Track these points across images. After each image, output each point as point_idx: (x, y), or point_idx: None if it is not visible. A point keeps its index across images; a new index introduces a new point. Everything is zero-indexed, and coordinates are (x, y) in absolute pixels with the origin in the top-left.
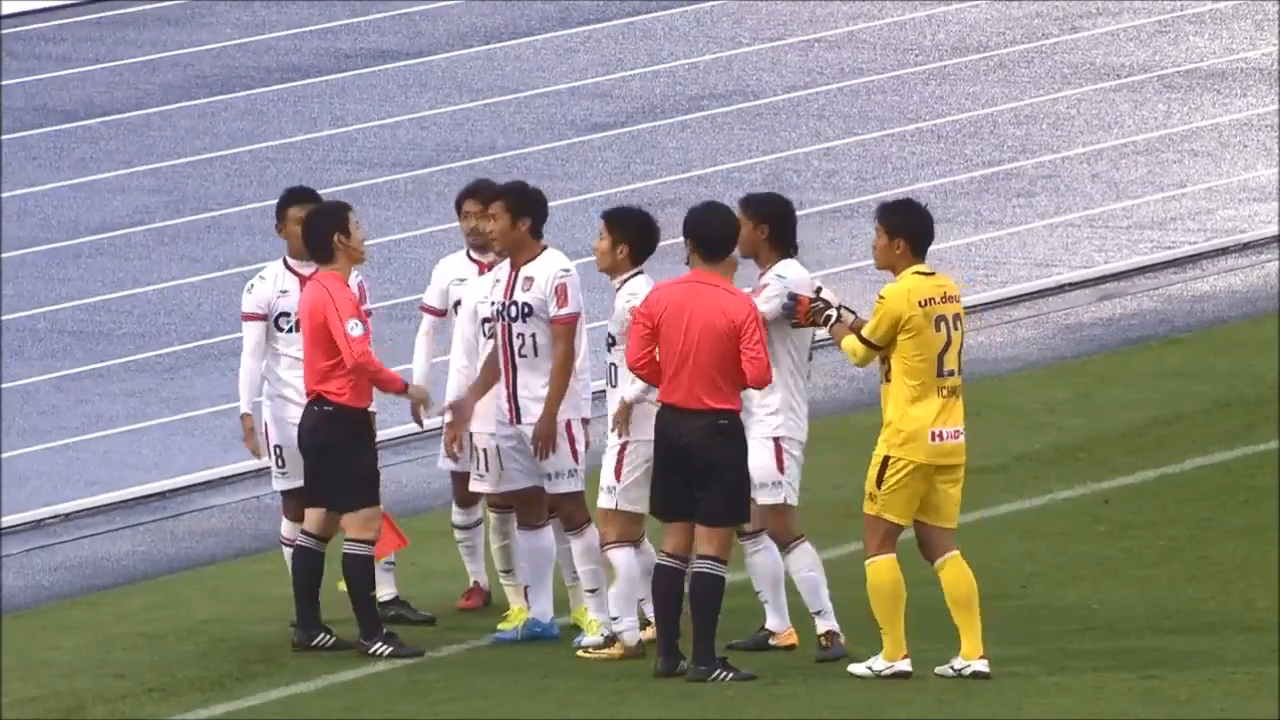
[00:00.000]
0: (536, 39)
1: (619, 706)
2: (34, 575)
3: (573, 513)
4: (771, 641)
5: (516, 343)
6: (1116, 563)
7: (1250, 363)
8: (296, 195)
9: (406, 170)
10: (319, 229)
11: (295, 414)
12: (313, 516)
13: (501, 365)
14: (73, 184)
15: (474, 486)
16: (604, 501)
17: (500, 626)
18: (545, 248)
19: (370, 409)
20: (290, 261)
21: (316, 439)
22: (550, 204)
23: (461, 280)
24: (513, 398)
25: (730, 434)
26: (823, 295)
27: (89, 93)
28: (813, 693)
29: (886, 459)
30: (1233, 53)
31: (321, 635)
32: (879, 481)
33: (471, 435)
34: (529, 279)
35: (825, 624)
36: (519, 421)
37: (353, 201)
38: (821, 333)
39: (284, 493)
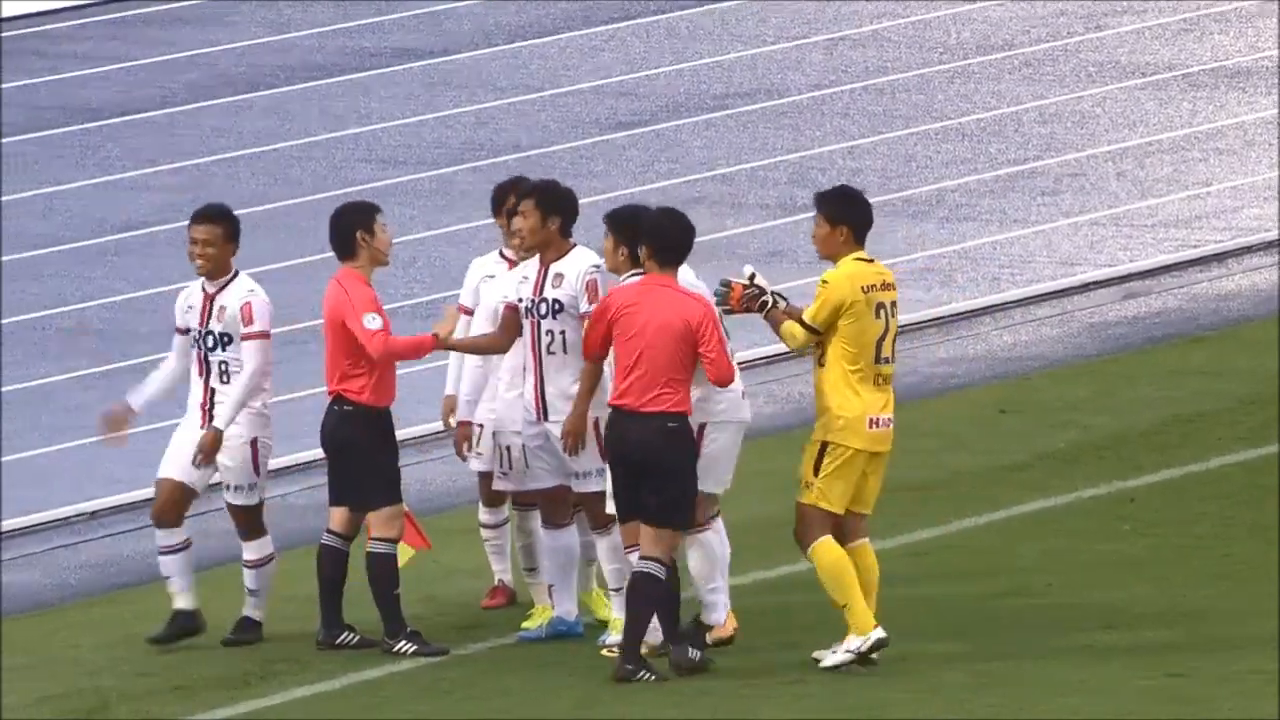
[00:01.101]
0: (561, 37)
1: (641, 705)
2: (59, 573)
3: (599, 511)
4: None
5: (545, 339)
6: (1140, 561)
7: (1275, 361)
8: (200, 214)
9: (431, 169)
10: (344, 224)
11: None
12: (336, 516)
13: (529, 362)
14: (97, 182)
15: (497, 485)
16: None
17: (524, 625)
18: (574, 245)
19: (389, 408)
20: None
21: (338, 438)
22: (583, 202)
23: (490, 278)
24: (540, 395)
25: (678, 437)
26: (756, 281)
27: (113, 91)
28: (831, 691)
29: (824, 445)
30: (1258, 51)
31: (345, 634)
32: (816, 469)
33: (495, 434)
34: (559, 275)
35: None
36: (546, 419)
37: (378, 200)
38: None
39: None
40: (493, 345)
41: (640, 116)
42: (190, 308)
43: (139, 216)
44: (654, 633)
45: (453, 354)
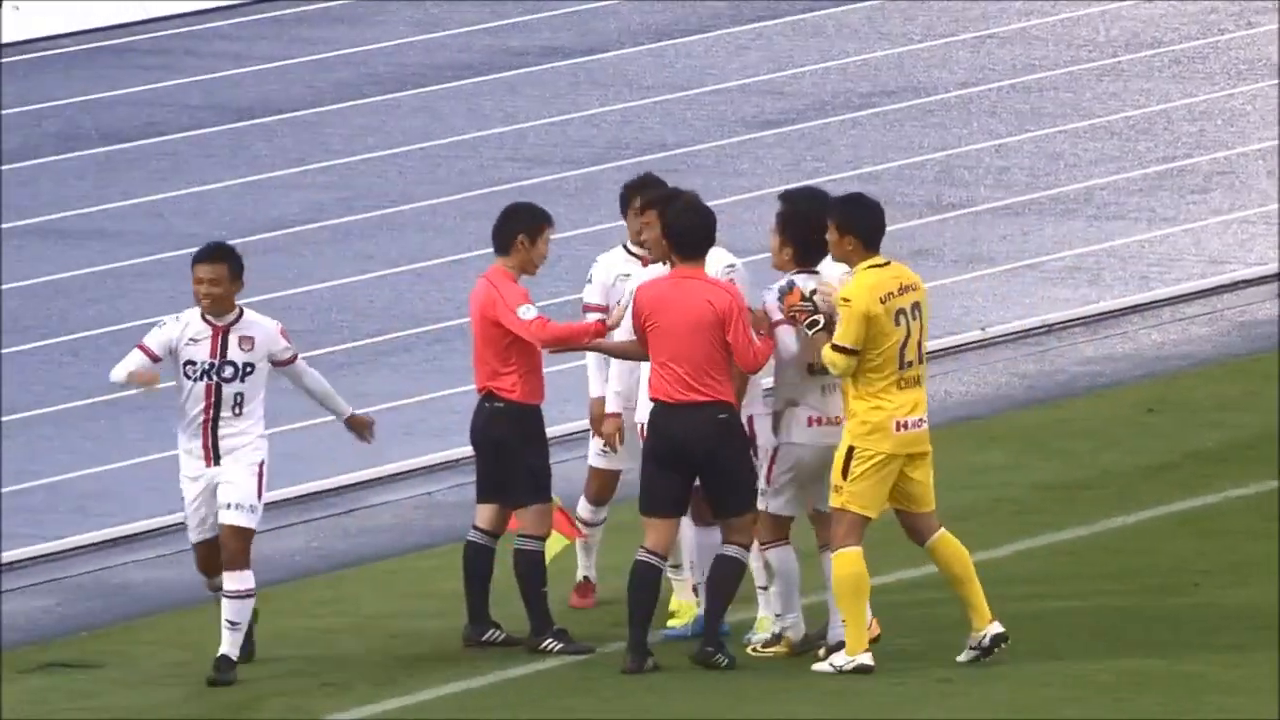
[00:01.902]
0: (707, 36)
1: (791, 705)
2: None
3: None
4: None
5: None
6: None
7: None
8: (203, 254)
9: (576, 167)
10: (510, 222)
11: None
12: (483, 513)
13: None
14: (247, 181)
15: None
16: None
17: (670, 623)
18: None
19: (539, 405)
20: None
21: (490, 435)
22: (719, 201)
23: (626, 276)
24: None
25: (732, 426)
26: (815, 298)
27: (264, 90)
28: (981, 690)
29: (851, 450)
30: None
31: (492, 631)
32: (844, 473)
33: (640, 427)
34: None
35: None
36: None
37: (523, 198)
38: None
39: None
40: (643, 352)
41: (786, 115)
42: (193, 340)
43: (288, 215)
44: (795, 631)
45: (591, 358)
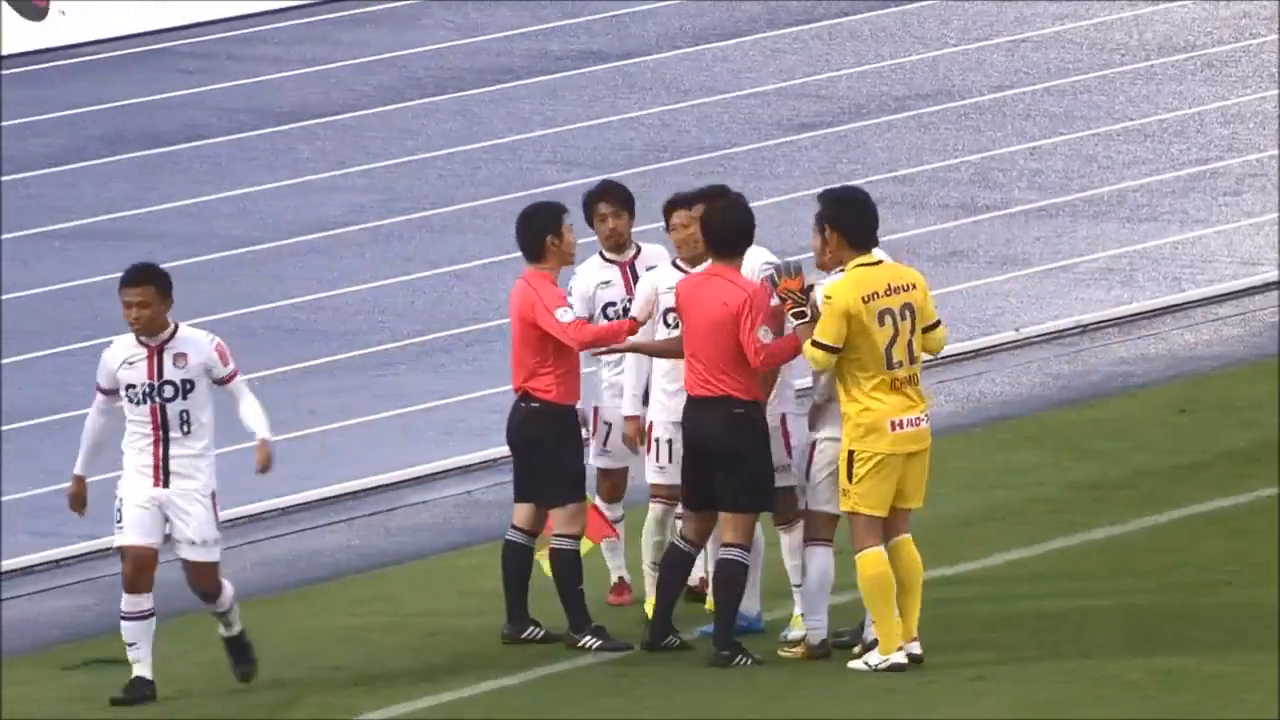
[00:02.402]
0: (745, 40)
1: (825, 702)
2: (248, 568)
3: (786, 507)
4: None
5: None
6: None
7: None
8: (128, 277)
9: (615, 170)
10: (533, 228)
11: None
12: (521, 512)
13: None
14: (289, 184)
15: (653, 479)
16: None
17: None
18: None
19: (577, 406)
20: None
21: (526, 435)
22: (757, 203)
23: (606, 283)
24: None
25: (746, 422)
26: (812, 293)
27: (305, 94)
28: (1013, 688)
29: (851, 454)
30: None
31: (531, 629)
32: (850, 476)
33: (650, 425)
34: None
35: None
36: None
37: (561, 201)
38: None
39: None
40: (679, 349)
41: (823, 118)
42: (129, 364)
43: (330, 217)
44: (816, 634)
45: (628, 371)
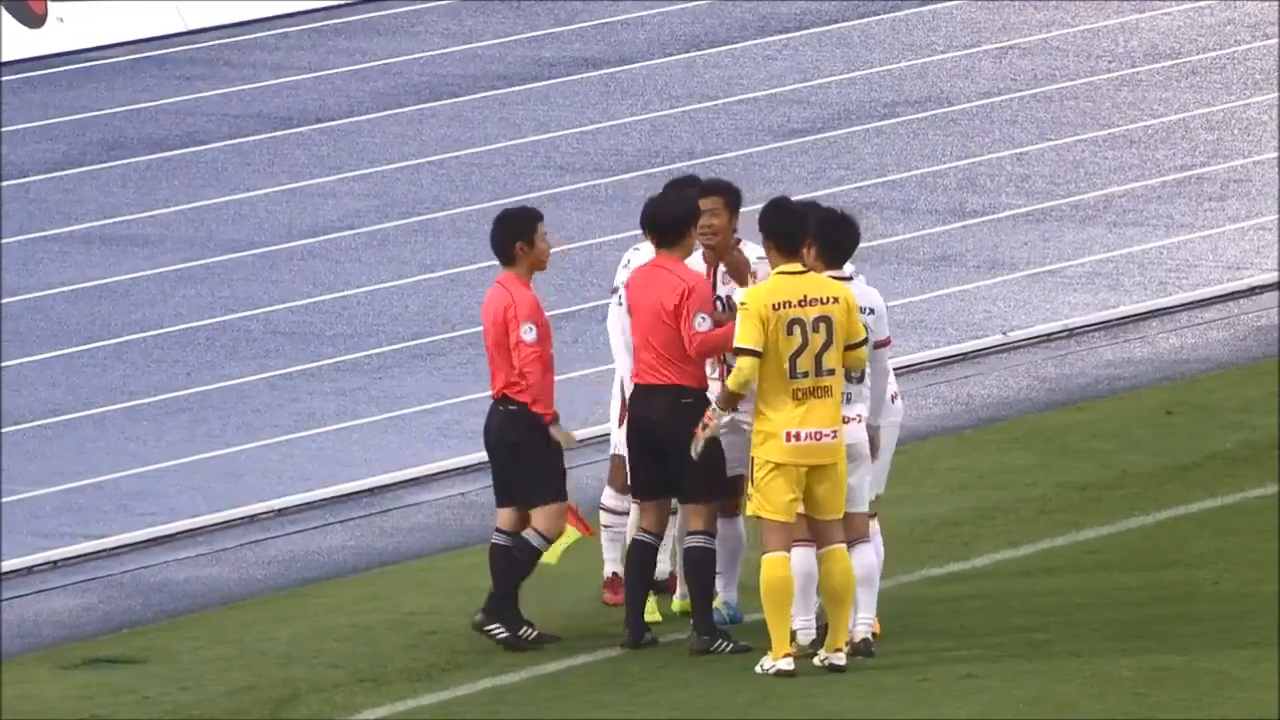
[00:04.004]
0: (735, 47)
1: (820, 699)
2: (248, 568)
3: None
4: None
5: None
6: None
7: None
8: None
9: (607, 175)
10: (504, 234)
11: None
12: (504, 515)
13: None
14: (286, 189)
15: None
16: None
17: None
18: (740, 239)
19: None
20: None
21: (506, 439)
22: (747, 209)
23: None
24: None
25: (695, 411)
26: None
27: (302, 100)
28: (1004, 685)
29: (752, 459)
30: None
31: (524, 629)
32: (751, 481)
33: None
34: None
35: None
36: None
37: (555, 205)
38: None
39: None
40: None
41: (812, 124)
42: None
43: (326, 222)
44: (805, 634)
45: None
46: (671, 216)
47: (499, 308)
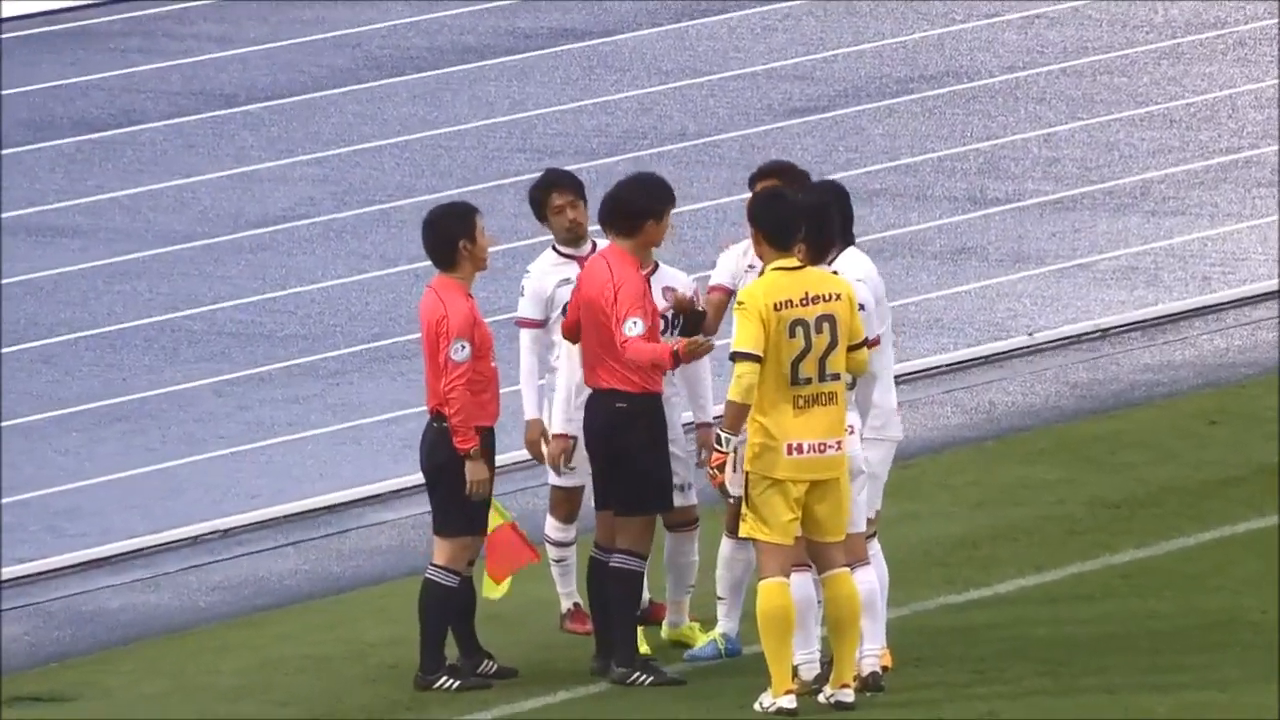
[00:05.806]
0: (731, 16)
1: None
2: (191, 595)
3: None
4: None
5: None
6: None
7: None
8: None
9: (590, 159)
10: (444, 233)
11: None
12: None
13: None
14: (232, 174)
15: (678, 500)
16: None
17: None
18: (656, 265)
19: (491, 428)
20: None
21: (433, 458)
22: (744, 196)
23: (567, 281)
24: None
25: (628, 417)
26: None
27: (250, 75)
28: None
29: (748, 474)
30: None
31: (485, 662)
32: (747, 499)
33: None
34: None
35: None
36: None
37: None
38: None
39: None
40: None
41: (817, 102)
42: None
43: (277, 210)
44: (808, 668)
45: (525, 379)
46: (614, 205)
47: (432, 319)
